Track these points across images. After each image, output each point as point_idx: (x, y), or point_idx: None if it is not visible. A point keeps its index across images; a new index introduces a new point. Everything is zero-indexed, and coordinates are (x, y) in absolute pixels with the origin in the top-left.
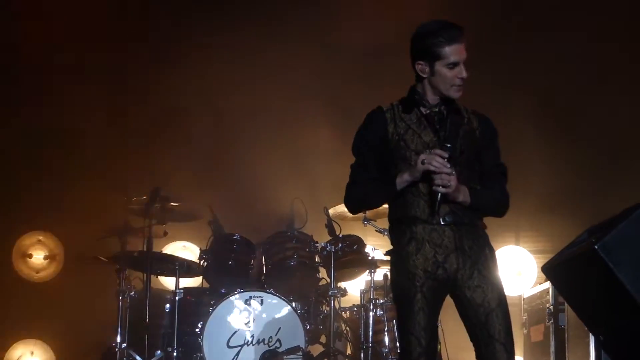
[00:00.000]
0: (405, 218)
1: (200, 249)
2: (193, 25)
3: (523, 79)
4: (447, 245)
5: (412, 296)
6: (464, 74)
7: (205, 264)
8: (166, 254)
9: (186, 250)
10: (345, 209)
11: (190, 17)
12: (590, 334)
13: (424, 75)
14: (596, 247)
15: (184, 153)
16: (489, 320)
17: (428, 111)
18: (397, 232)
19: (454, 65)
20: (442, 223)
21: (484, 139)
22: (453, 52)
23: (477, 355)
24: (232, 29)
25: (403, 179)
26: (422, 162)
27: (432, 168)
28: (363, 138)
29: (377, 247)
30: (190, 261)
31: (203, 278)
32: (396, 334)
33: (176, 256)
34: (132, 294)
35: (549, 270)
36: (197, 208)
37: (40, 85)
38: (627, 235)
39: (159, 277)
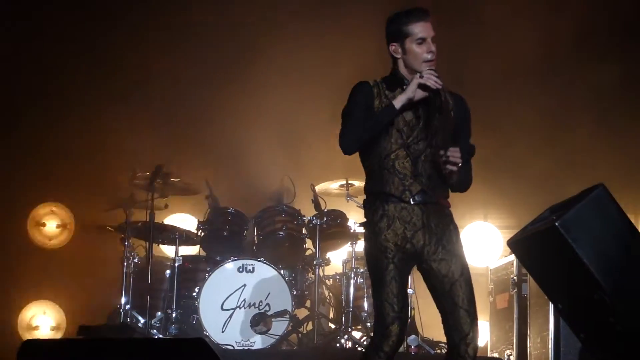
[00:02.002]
0: (380, 194)
1: (198, 221)
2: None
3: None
4: (415, 222)
5: (384, 267)
6: (433, 48)
7: (202, 234)
8: (167, 224)
9: (185, 221)
10: (330, 186)
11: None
12: (550, 303)
13: (398, 56)
14: (557, 224)
15: (185, 133)
16: (453, 290)
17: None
18: (371, 208)
19: (422, 40)
20: (412, 202)
21: (458, 118)
22: (420, 29)
23: (444, 322)
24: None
25: (399, 100)
26: (421, 76)
27: (429, 83)
28: (354, 102)
29: (358, 221)
30: (189, 231)
31: (200, 247)
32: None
33: (176, 227)
34: (135, 260)
35: (514, 245)
36: (196, 184)
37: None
38: (585, 214)
39: (160, 245)
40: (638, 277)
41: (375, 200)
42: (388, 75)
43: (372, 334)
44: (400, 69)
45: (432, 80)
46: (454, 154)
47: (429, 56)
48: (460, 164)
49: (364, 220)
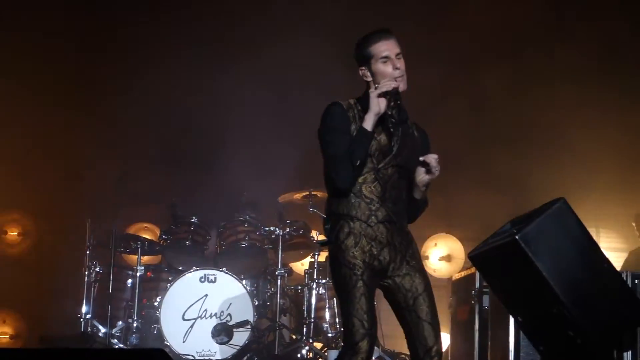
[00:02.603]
0: (346, 216)
1: (161, 230)
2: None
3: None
4: (380, 240)
5: (353, 284)
6: (398, 65)
7: (165, 243)
8: (129, 233)
9: (148, 230)
10: (294, 197)
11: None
12: (510, 316)
13: (368, 79)
14: (517, 237)
15: (148, 141)
16: (416, 304)
17: (383, 114)
18: (335, 227)
19: (385, 58)
20: (377, 222)
21: (422, 151)
22: (383, 47)
23: (407, 336)
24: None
25: (367, 120)
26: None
27: (384, 88)
28: (335, 131)
29: (321, 232)
30: (151, 241)
31: (162, 256)
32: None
33: (138, 236)
34: (97, 269)
35: (475, 258)
36: (159, 193)
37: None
38: (545, 228)
39: (122, 254)
40: (598, 290)
41: (339, 220)
42: (362, 96)
43: (340, 350)
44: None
45: (386, 85)
46: (434, 160)
47: (396, 73)
48: (437, 172)
49: (325, 239)
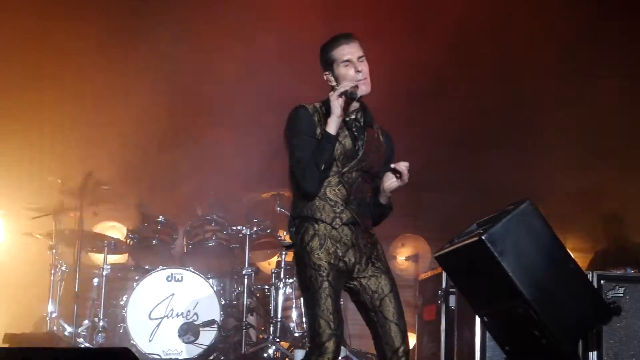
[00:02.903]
0: (310, 219)
1: (127, 229)
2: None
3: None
4: (345, 242)
5: (319, 285)
6: (360, 68)
7: (132, 242)
8: (96, 232)
9: (114, 229)
10: (262, 197)
11: None
12: (477, 315)
13: (332, 84)
14: (483, 237)
15: (115, 140)
16: (383, 304)
17: (347, 118)
18: (300, 229)
19: (347, 62)
20: (341, 224)
21: (386, 156)
22: (344, 51)
23: (374, 337)
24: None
25: (330, 123)
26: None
27: (342, 88)
28: (301, 135)
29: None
30: (118, 240)
31: (129, 255)
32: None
33: (105, 235)
34: (63, 268)
35: (441, 258)
36: (126, 191)
37: None
38: (511, 228)
39: (88, 253)
40: (563, 290)
41: (304, 222)
42: (327, 99)
43: (307, 351)
44: None
45: (344, 86)
46: (405, 168)
47: (358, 75)
48: (406, 180)
49: (290, 242)
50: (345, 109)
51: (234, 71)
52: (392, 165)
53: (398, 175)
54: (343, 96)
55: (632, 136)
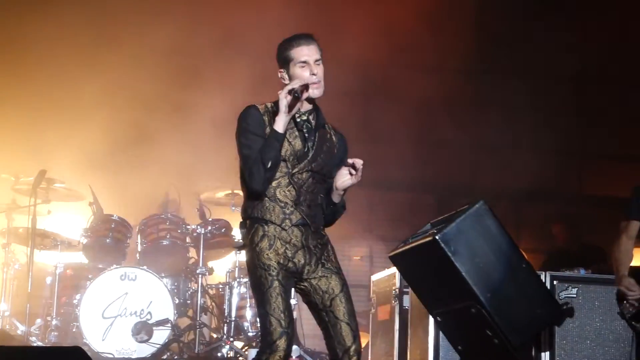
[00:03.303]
0: (260, 220)
1: (82, 228)
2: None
3: None
4: (295, 243)
5: (269, 284)
6: (315, 71)
7: (85, 241)
8: (49, 231)
9: (68, 228)
10: (216, 196)
11: None
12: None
13: (285, 82)
14: (437, 237)
15: (69, 136)
16: (334, 304)
17: (299, 119)
18: (250, 230)
19: (304, 63)
20: (291, 225)
21: (338, 156)
22: (303, 52)
23: (326, 337)
24: None
25: (278, 122)
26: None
27: (290, 87)
28: (250, 135)
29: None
30: (71, 238)
31: (83, 254)
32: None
33: (58, 233)
34: (16, 266)
35: (395, 257)
36: (80, 189)
37: None
38: (464, 228)
39: (42, 251)
40: (516, 291)
41: (254, 224)
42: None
43: (258, 349)
44: None
45: (292, 84)
46: (360, 165)
47: (312, 78)
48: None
49: (240, 242)
50: (292, 106)
51: (192, 71)
52: (350, 161)
53: (354, 171)
54: (290, 94)
55: None
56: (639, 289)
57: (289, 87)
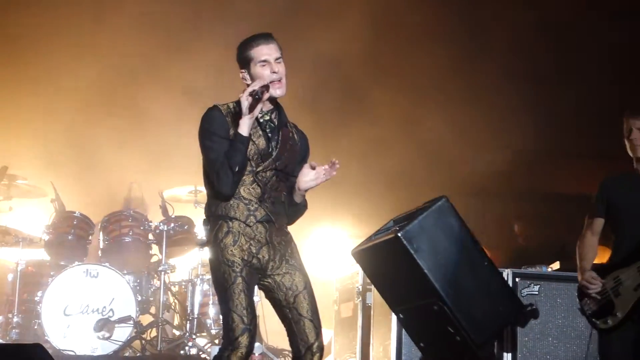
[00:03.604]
0: (225, 217)
1: (44, 224)
2: None
3: None
4: (259, 239)
5: (233, 280)
6: (276, 69)
7: (47, 237)
8: (10, 227)
9: (30, 225)
10: (179, 193)
11: None
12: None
13: (247, 82)
14: (399, 235)
15: (31, 134)
16: (297, 301)
17: (262, 119)
18: (214, 226)
19: (264, 62)
20: (255, 222)
21: (301, 155)
22: (263, 51)
23: (289, 333)
24: None
25: (242, 125)
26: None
27: (250, 88)
28: (215, 137)
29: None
30: (33, 235)
31: (45, 251)
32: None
33: (20, 230)
34: None
35: (357, 254)
36: (42, 186)
37: None
38: (427, 226)
39: (3, 248)
40: (478, 288)
41: (218, 220)
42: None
43: (220, 346)
44: None
45: (254, 85)
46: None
47: (273, 76)
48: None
49: (204, 239)
50: (253, 107)
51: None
52: (313, 164)
53: (324, 172)
54: (251, 96)
55: None
56: (599, 283)
57: (250, 89)
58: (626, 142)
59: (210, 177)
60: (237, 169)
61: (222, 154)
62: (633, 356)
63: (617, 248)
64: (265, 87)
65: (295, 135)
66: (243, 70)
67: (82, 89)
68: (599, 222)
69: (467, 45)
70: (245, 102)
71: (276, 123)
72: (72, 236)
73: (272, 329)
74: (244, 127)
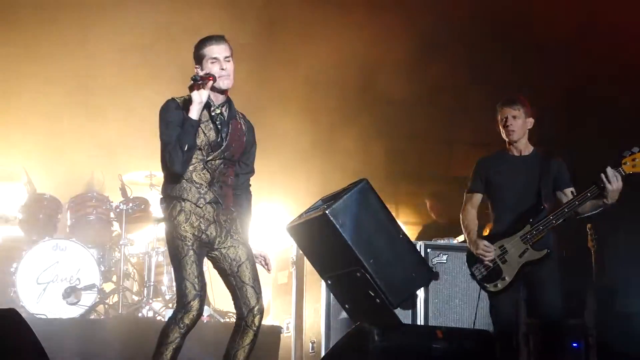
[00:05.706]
0: (178, 198)
1: (18, 205)
2: None
3: None
4: (208, 218)
5: (185, 253)
6: (224, 66)
7: (21, 216)
8: None
9: (5, 205)
10: (137, 176)
11: None
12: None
13: None
14: (327, 212)
15: (2, 116)
16: (240, 270)
17: (213, 112)
18: (169, 205)
19: (214, 59)
20: (205, 203)
21: (248, 144)
22: (214, 50)
23: (233, 298)
24: None
25: (192, 110)
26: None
27: (194, 76)
28: (170, 125)
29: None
30: (9, 214)
31: (19, 227)
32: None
33: None
34: None
35: (291, 230)
36: (15, 170)
37: None
38: (350, 204)
39: None
40: (394, 257)
41: (172, 200)
42: None
43: (174, 309)
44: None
45: (196, 75)
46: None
47: (222, 72)
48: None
49: (162, 216)
50: (198, 89)
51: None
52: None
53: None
54: (192, 81)
55: None
56: (492, 251)
57: (196, 76)
58: (502, 129)
59: (164, 157)
60: (186, 148)
61: (174, 138)
62: (519, 314)
63: (498, 220)
64: (208, 75)
65: (243, 126)
66: (197, 66)
67: (50, 75)
68: (478, 197)
69: None
70: (192, 89)
71: (226, 116)
72: (42, 215)
73: (218, 294)
74: (193, 112)
